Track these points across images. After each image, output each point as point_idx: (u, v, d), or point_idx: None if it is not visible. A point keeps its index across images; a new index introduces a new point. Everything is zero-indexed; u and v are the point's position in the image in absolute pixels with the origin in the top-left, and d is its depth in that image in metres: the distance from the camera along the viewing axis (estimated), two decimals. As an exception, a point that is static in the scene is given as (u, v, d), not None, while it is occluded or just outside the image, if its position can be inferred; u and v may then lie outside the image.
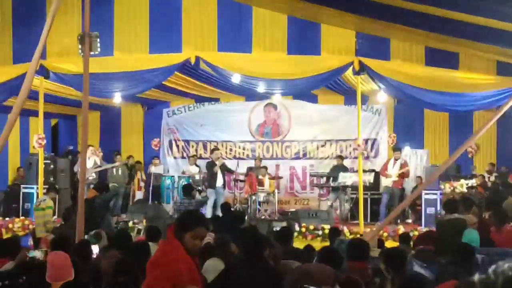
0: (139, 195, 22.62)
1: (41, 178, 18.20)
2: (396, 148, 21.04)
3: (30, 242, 14.90)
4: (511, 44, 14.06)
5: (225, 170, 20.69)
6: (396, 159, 20.21)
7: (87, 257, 8.92)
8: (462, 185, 19.20)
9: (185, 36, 17.43)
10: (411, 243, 12.85)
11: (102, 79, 17.44)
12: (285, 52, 17.40)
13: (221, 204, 17.39)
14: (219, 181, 20.25)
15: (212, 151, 21.47)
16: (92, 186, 17.15)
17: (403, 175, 20.12)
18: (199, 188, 20.06)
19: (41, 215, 15.33)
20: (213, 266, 7.90)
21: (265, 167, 21.80)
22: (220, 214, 16.43)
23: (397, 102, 22.98)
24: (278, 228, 13.03)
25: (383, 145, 23.45)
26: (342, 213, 20.49)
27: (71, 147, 25.00)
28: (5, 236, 14.65)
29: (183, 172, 22.24)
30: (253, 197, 19.95)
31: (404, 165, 20.16)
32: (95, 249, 9.96)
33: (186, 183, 19.39)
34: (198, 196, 16.09)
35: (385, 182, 20.27)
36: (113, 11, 17.66)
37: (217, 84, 20.77)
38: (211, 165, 20.36)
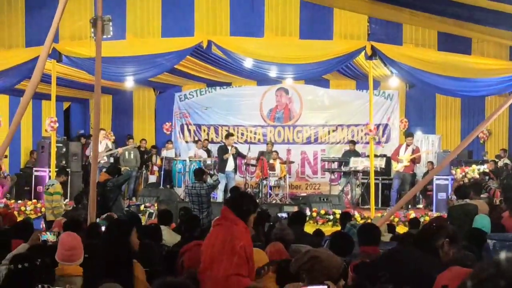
0: (152, 179, 22.72)
1: (53, 161, 18.26)
2: (409, 134, 21.03)
3: (43, 225, 15.00)
4: (525, 29, 14.01)
5: (237, 154, 20.75)
6: (408, 145, 20.17)
7: (96, 239, 8.97)
8: (473, 171, 19.16)
9: (197, 20, 17.42)
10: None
11: (115, 63, 17.46)
12: (297, 36, 17.37)
13: (231, 188, 17.46)
14: (230, 166, 20.30)
15: (226, 136, 21.47)
16: (104, 169, 17.19)
17: (414, 160, 20.11)
18: (211, 172, 20.12)
19: (49, 199, 15.42)
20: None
21: (276, 152, 21.81)
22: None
23: (409, 87, 22.93)
24: (284, 215, 12.98)
25: (394, 130, 23.44)
26: (353, 198, 20.51)
27: (82, 131, 25.08)
28: (17, 219, 14.69)
29: (194, 156, 22.25)
30: (264, 182, 19.98)
31: (416, 150, 20.13)
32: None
33: (197, 167, 19.42)
34: (209, 180, 16.10)
35: (396, 167, 20.25)
36: (125, -6, 17.67)
37: (229, 69, 20.77)
38: (222, 150, 20.42)
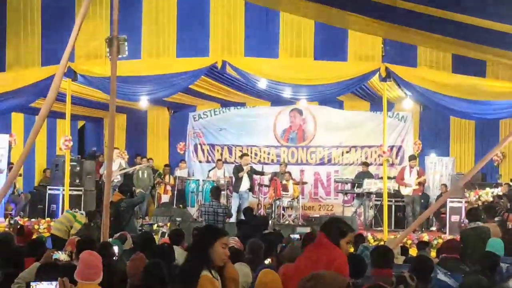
0: (165, 198, 22.69)
1: (67, 180, 18.32)
2: (412, 157, 21.01)
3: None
4: (539, 52, 13.97)
5: (255, 173, 20.83)
6: (411, 167, 20.18)
7: (107, 258, 8.97)
8: (487, 193, 19.07)
9: (212, 41, 17.49)
10: (427, 249, 12.95)
11: (129, 82, 17.55)
12: (311, 57, 17.40)
13: (244, 208, 17.47)
14: (244, 186, 20.38)
15: (241, 156, 21.66)
16: (117, 189, 17.17)
17: (422, 183, 20.11)
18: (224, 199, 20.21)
19: (70, 219, 15.32)
20: (241, 271, 7.93)
21: (290, 172, 21.78)
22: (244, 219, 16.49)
23: (423, 109, 22.89)
24: (296, 236, 12.98)
25: (408, 152, 23.27)
26: (366, 219, 20.48)
27: (94, 148, 25.12)
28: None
29: (208, 176, 22.25)
30: (277, 202, 19.96)
31: (420, 172, 20.14)
32: (117, 251, 9.99)
33: (213, 185, 19.42)
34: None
35: (404, 191, 20.16)
36: (141, 14, 17.75)
37: (243, 89, 20.82)
38: (237, 169, 20.54)
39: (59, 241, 13.60)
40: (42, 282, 5.75)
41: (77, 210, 16.18)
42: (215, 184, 20.36)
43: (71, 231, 14.99)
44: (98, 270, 6.93)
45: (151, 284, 6.87)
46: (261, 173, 21.38)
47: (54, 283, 5.74)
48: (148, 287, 6.85)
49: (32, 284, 5.79)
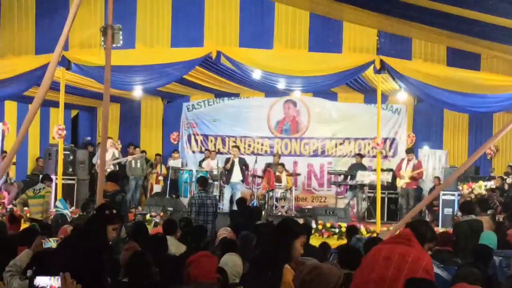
0: (156, 188, 22.66)
1: (60, 169, 18.29)
2: (409, 150, 21.02)
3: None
4: (534, 46, 13.97)
5: (243, 165, 20.89)
6: (409, 160, 20.21)
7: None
8: (480, 187, 19.11)
9: (207, 31, 17.47)
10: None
11: (123, 72, 17.50)
12: (306, 49, 17.38)
13: (237, 199, 17.46)
14: (235, 177, 20.45)
15: (232, 147, 21.81)
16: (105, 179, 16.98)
17: (415, 177, 20.11)
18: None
19: (40, 202, 15.21)
20: (232, 261, 7.95)
21: (283, 164, 21.80)
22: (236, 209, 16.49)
23: (417, 102, 22.90)
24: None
25: (401, 144, 23.35)
26: (359, 211, 20.47)
27: (88, 138, 25.11)
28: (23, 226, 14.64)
29: (200, 165, 22.30)
30: (270, 193, 20.00)
31: (417, 165, 20.15)
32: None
33: (200, 176, 19.38)
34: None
35: (399, 183, 20.24)
36: (135, 4, 17.71)
37: (237, 80, 20.76)
38: (226, 161, 20.80)
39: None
40: (44, 277, 5.73)
41: (38, 188, 15.91)
42: (208, 175, 20.37)
43: (46, 207, 14.93)
44: None
45: (136, 274, 6.86)
46: (247, 167, 21.52)
47: (55, 277, 5.72)
48: (134, 277, 6.83)
49: (35, 278, 5.77)
